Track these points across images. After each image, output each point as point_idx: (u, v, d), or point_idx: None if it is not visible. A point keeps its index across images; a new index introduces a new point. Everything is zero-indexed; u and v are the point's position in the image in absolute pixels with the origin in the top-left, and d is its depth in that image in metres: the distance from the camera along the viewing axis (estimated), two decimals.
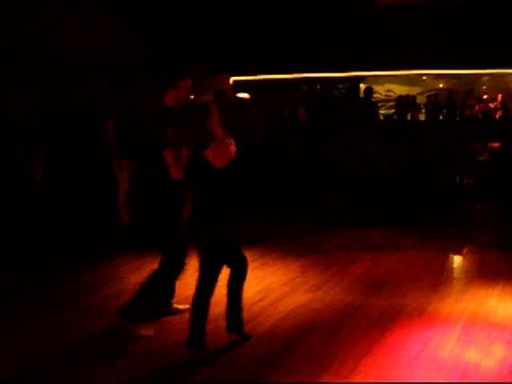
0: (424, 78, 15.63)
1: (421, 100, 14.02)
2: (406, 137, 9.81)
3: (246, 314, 4.87)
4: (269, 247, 6.84)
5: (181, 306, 4.91)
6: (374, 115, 11.30)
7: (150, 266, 6.32)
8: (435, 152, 9.21)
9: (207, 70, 12.31)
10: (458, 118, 12.60)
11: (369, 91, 11.41)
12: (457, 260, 6.94)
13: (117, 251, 6.98)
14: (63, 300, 5.36)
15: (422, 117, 12.92)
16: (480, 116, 12.19)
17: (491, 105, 13.03)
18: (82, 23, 9.55)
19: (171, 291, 4.94)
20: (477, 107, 12.63)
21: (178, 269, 4.73)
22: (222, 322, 4.36)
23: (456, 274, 6.40)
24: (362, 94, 12.24)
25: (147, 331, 4.52)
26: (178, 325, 4.60)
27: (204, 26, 12.39)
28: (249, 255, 6.24)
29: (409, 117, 11.72)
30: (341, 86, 15.92)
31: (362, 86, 12.82)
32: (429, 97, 14.27)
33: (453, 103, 13.16)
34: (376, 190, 8.80)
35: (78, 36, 9.38)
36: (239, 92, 13.77)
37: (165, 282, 4.81)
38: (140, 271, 6.22)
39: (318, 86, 15.75)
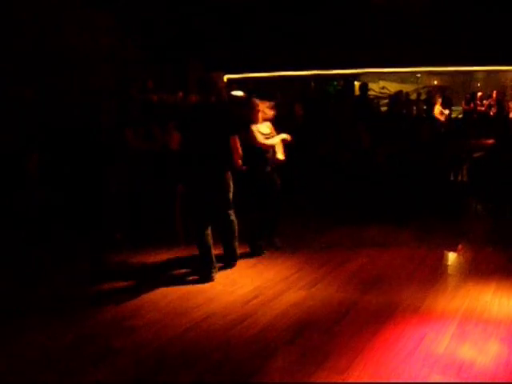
0: (418, 75, 15.71)
1: (414, 97, 14.09)
2: (399, 133, 9.84)
3: (241, 311, 4.95)
4: (263, 245, 6.85)
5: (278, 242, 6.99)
6: (370, 111, 11.32)
7: (148, 261, 6.44)
8: (429, 148, 9.25)
9: (202, 67, 12.34)
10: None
11: (364, 87, 11.45)
12: (452, 256, 7.00)
13: (117, 248, 7.04)
14: (63, 299, 5.40)
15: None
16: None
17: (486, 102, 13.13)
18: (82, 23, 9.57)
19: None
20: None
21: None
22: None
23: (451, 270, 6.44)
24: (357, 92, 12.27)
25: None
26: None
27: (204, 26, 12.40)
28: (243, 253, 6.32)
29: (403, 113, 11.76)
30: (335, 82, 15.96)
31: (357, 84, 12.86)
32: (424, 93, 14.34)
33: (447, 100, 13.22)
34: (371, 186, 8.84)
35: (78, 36, 9.39)
36: (234, 90, 13.76)
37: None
38: (140, 266, 6.32)
39: (313, 84, 15.79)
